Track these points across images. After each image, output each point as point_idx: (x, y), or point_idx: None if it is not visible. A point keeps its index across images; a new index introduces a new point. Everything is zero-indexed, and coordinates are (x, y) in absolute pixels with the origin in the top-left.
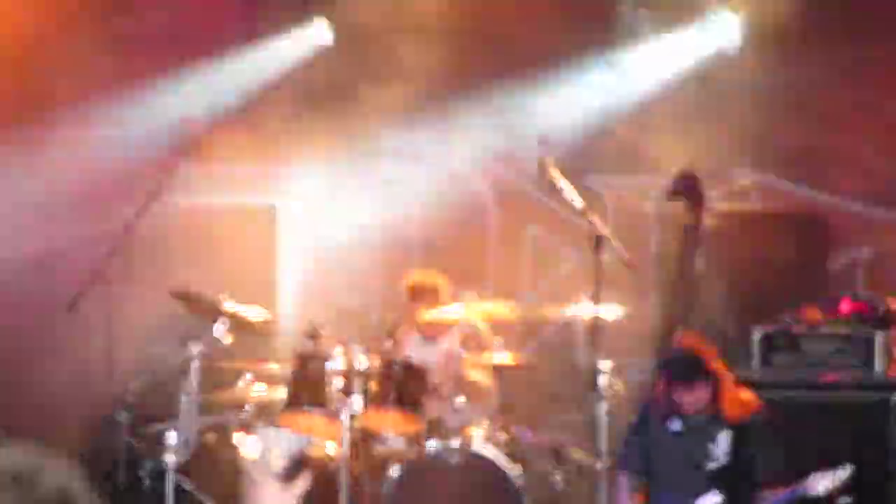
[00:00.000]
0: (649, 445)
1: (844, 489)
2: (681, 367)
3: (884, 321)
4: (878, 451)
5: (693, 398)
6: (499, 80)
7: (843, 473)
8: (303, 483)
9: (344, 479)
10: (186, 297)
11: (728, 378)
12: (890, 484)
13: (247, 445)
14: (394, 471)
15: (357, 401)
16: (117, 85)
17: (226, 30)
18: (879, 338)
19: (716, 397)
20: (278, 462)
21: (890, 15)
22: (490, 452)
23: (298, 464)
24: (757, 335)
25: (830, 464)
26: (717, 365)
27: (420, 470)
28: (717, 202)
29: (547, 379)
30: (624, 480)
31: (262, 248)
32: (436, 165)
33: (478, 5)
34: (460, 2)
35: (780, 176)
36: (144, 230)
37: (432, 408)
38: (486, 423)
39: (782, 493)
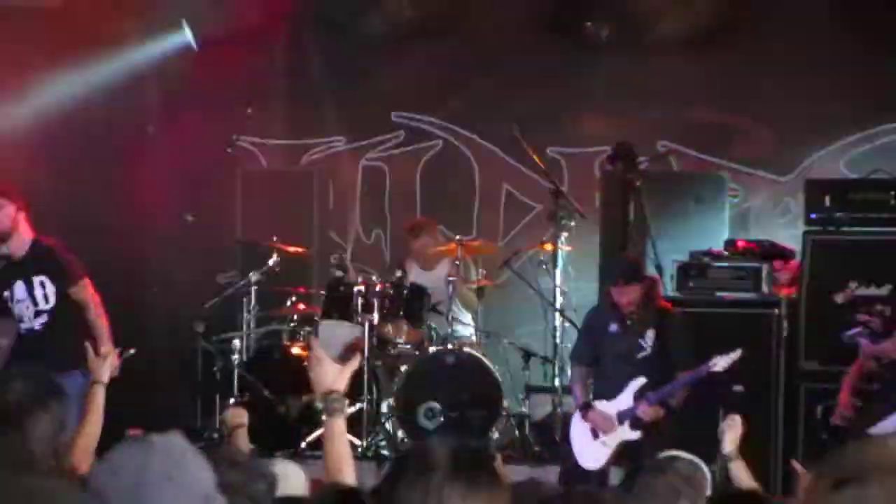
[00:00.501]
0: (594, 343)
1: (735, 374)
2: (621, 269)
3: (767, 256)
4: (762, 350)
5: (629, 297)
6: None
7: (735, 354)
8: (354, 363)
9: (366, 375)
10: (247, 242)
11: (657, 286)
12: (771, 372)
13: (317, 335)
14: (403, 368)
15: (374, 315)
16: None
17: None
18: (765, 268)
19: (647, 300)
20: (338, 347)
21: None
22: (475, 353)
23: (352, 349)
24: (675, 265)
25: (726, 350)
26: (656, 282)
27: (423, 367)
28: (645, 165)
29: (517, 298)
30: (577, 370)
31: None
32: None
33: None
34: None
35: (689, 145)
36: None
37: (432, 320)
38: (471, 331)
39: (691, 373)
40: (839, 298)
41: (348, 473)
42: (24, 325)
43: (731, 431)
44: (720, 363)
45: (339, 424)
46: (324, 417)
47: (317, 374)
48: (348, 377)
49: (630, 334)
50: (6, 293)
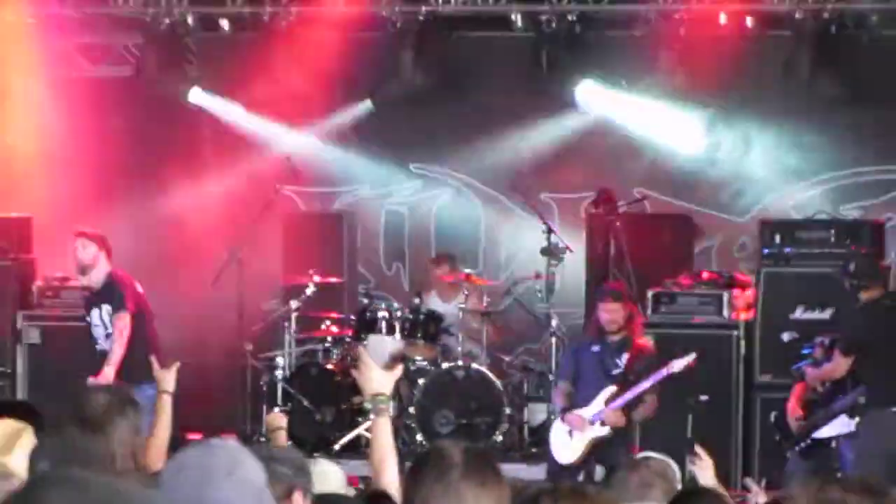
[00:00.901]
0: (576, 363)
1: (700, 386)
2: (607, 289)
3: (728, 286)
4: (724, 366)
5: (611, 315)
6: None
7: (690, 357)
8: (398, 371)
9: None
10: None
11: (638, 315)
12: (731, 384)
13: (366, 347)
14: (421, 381)
15: (396, 336)
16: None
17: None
18: (726, 296)
19: (627, 324)
20: (384, 357)
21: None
22: (482, 369)
23: (395, 359)
24: (650, 293)
25: (684, 353)
26: (631, 305)
27: (437, 380)
28: (623, 208)
29: (518, 321)
30: (560, 384)
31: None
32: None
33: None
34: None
35: (660, 192)
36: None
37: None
38: (479, 351)
39: (651, 377)
40: (785, 337)
41: (391, 463)
42: (98, 346)
43: (704, 470)
44: (676, 365)
45: (385, 422)
46: (371, 416)
47: (366, 380)
48: (393, 382)
49: (608, 354)
50: (88, 318)
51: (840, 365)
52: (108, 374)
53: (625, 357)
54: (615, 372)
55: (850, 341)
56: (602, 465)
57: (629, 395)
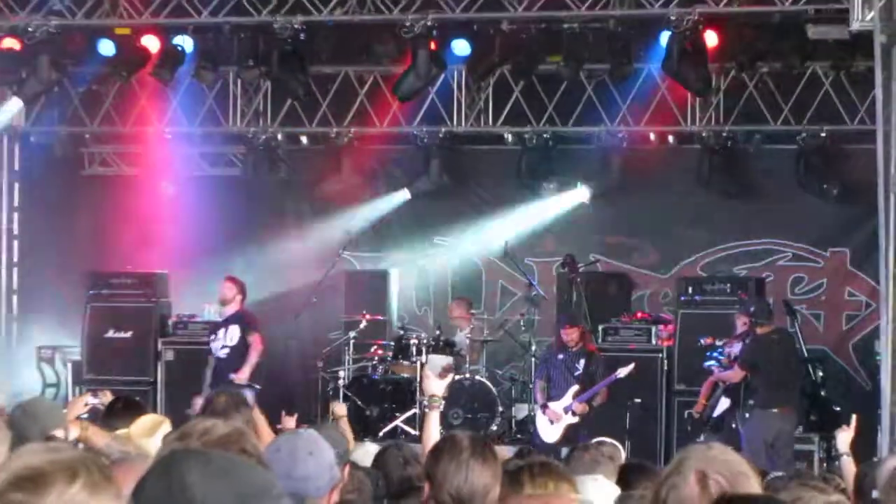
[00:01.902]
0: (549, 366)
1: (635, 391)
2: (564, 317)
3: (656, 322)
4: (651, 378)
5: (568, 336)
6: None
7: (630, 367)
8: (448, 379)
9: (418, 391)
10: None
11: (588, 334)
12: (657, 390)
13: (426, 363)
14: None
15: (423, 356)
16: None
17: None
18: (654, 329)
19: (582, 341)
20: (437, 369)
21: None
22: (482, 379)
23: (446, 371)
24: (601, 327)
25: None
26: (582, 327)
27: (451, 388)
28: (582, 269)
29: (507, 347)
30: (537, 382)
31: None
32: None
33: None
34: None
35: (609, 256)
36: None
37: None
38: (480, 367)
39: (604, 380)
40: (702, 341)
41: None
42: (215, 354)
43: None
44: (622, 372)
45: (436, 415)
46: (426, 410)
47: (426, 386)
48: (444, 387)
49: (570, 361)
50: (213, 336)
51: (737, 374)
52: (245, 373)
53: (582, 362)
54: (577, 374)
55: (746, 360)
56: (570, 444)
57: (589, 393)
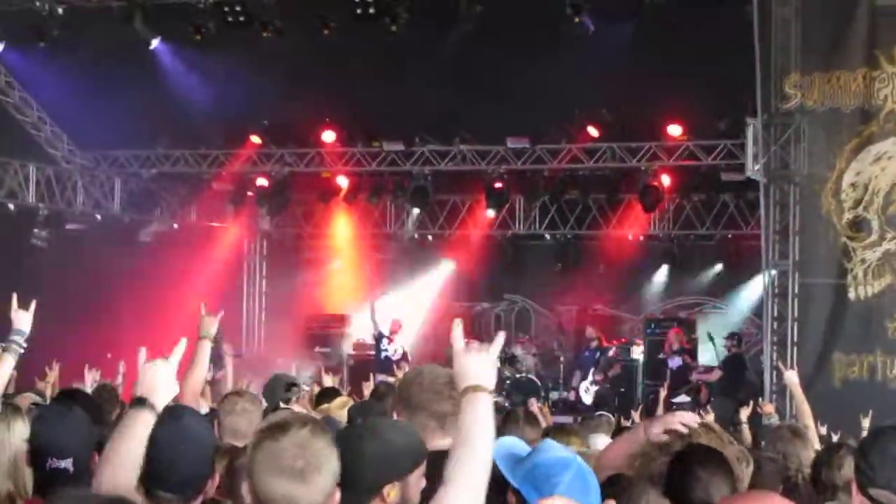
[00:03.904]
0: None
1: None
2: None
3: (633, 344)
4: (631, 376)
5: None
6: None
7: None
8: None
9: None
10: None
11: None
12: (635, 384)
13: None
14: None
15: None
16: None
17: None
18: (633, 349)
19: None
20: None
21: None
22: (531, 377)
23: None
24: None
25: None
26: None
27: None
28: (591, 312)
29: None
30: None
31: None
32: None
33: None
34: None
35: (605, 305)
36: None
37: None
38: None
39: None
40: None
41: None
42: (384, 355)
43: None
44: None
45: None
46: None
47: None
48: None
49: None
50: (385, 347)
51: (714, 375)
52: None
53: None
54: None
55: (724, 368)
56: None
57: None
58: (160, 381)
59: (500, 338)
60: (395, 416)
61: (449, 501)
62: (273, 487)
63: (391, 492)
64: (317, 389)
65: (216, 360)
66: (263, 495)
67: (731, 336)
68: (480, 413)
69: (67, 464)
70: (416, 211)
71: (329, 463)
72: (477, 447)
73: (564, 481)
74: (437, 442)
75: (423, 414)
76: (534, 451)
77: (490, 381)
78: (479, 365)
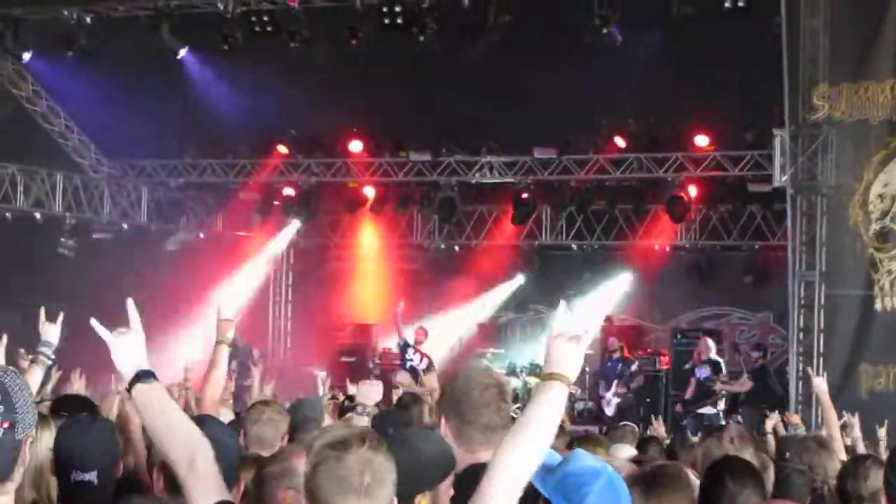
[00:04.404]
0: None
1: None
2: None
3: (659, 354)
4: (657, 386)
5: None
6: None
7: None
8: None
9: None
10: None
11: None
12: (661, 394)
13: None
14: None
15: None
16: None
17: None
18: (657, 359)
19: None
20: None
21: None
22: None
23: None
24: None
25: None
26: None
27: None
28: (617, 323)
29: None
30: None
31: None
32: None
33: None
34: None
35: (628, 314)
36: None
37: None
38: None
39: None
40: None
41: None
42: (409, 365)
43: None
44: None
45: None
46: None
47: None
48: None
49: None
50: (410, 357)
51: (744, 385)
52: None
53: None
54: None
55: (753, 378)
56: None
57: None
58: (132, 351)
59: (592, 331)
60: (442, 422)
61: (493, 476)
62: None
63: (422, 501)
64: (341, 398)
65: (243, 370)
66: None
67: (756, 347)
68: (551, 400)
69: (92, 476)
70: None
71: (390, 475)
72: (536, 430)
73: (595, 490)
74: (481, 454)
75: (472, 427)
76: (564, 461)
77: (572, 372)
78: (566, 354)
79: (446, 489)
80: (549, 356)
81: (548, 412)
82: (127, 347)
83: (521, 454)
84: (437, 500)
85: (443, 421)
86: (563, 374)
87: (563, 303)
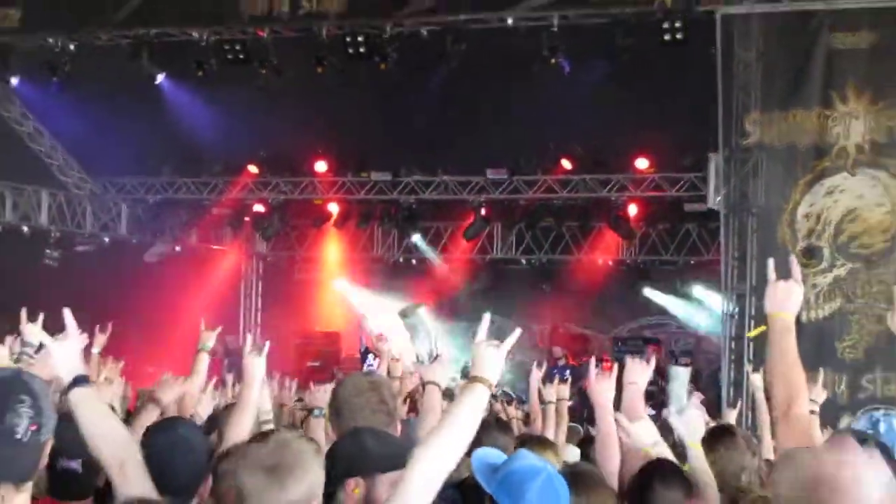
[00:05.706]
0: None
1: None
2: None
3: (601, 360)
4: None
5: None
6: None
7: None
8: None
9: None
10: None
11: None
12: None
13: None
14: None
15: None
16: None
17: None
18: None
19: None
20: None
21: None
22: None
23: None
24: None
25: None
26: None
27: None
28: (563, 331)
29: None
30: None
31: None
32: None
33: None
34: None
35: (574, 324)
36: None
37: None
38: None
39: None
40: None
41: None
42: (368, 367)
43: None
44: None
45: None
46: None
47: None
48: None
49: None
50: (370, 363)
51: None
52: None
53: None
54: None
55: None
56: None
57: None
58: (70, 357)
59: (514, 335)
60: (330, 430)
61: (412, 468)
62: (246, 481)
63: (356, 489)
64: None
65: (241, 374)
66: (237, 490)
67: (686, 353)
68: (472, 402)
69: (77, 464)
70: (417, 236)
71: (309, 457)
72: (455, 430)
73: (534, 488)
74: None
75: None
76: (508, 460)
77: (494, 375)
78: (489, 358)
79: (387, 485)
80: (473, 361)
81: (468, 413)
82: (66, 353)
83: (439, 450)
84: (374, 492)
85: (330, 429)
86: (485, 378)
87: (486, 314)
